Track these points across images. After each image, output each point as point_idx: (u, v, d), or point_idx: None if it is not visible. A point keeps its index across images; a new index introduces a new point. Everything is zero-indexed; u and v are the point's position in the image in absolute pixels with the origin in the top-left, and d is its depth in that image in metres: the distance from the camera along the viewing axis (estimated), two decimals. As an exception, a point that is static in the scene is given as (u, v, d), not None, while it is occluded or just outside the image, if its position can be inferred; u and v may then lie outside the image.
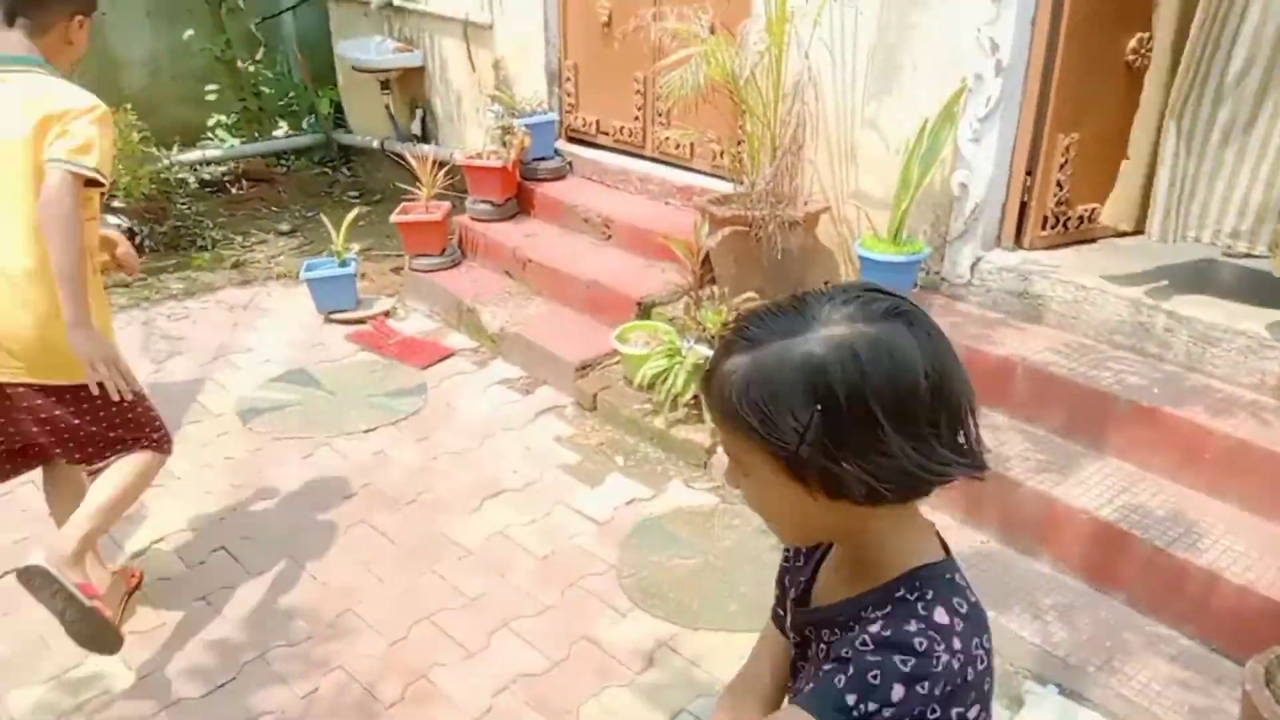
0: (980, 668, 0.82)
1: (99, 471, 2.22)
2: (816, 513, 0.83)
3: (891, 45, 3.28)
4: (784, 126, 3.40)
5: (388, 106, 5.89)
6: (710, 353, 3.16)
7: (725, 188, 3.77)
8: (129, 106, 4.92)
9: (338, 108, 6.70)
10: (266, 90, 6.53)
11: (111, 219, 4.80)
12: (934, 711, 0.78)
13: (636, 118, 4.52)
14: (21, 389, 2.09)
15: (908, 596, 0.84)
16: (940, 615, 0.82)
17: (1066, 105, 3.04)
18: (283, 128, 6.57)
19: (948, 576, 0.86)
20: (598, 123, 4.75)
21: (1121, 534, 2.30)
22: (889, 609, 0.84)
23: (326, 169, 6.52)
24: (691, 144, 4.22)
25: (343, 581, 2.57)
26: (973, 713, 0.82)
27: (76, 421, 2.14)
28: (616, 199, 4.44)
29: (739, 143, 3.66)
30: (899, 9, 3.22)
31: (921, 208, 3.30)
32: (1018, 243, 3.20)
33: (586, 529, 2.80)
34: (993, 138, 3.07)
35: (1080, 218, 3.23)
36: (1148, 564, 2.27)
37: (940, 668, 0.78)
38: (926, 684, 0.77)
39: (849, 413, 0.76)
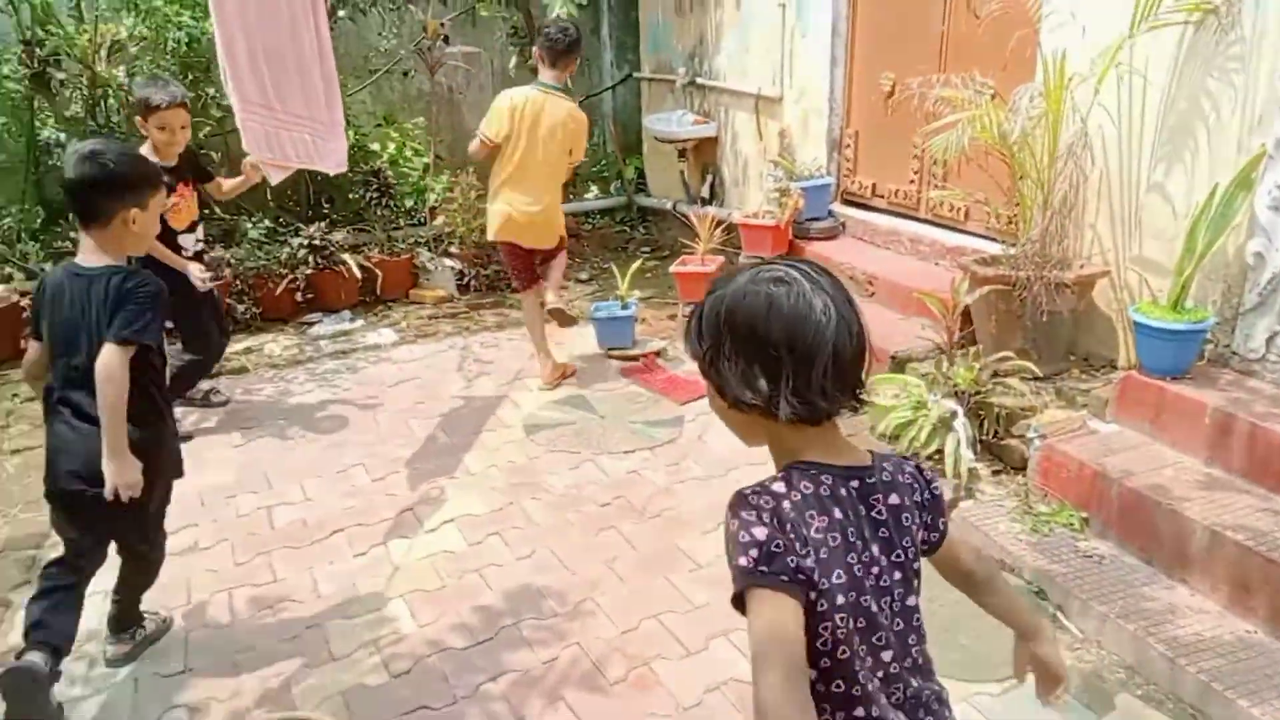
0: (809, 532, 1.08)
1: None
2: (737, 418, 1.15)
3: (1182, 111, 3.14)
4: (1057, 189, 3.35)
5: (682, 172, 6.46)
6: (957, 407, 3.17)
7: (997, 250, 3.76)
8: (471, 169, 5.87)
9: (640, 173, 7.43)
10: (583, 158, 7.40)
11: (447, 261, 5.74)
12: (776, 545, 1.06)
13: (912, 181, 4.61)
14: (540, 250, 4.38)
15: (773, 475, 1.14)
16: (778, 485, 1.11)
17: (1396, 169, 2.73)
18: (593, 190, 7.40)
19: (812, 471, 1.13)
20: (874, 186, 4.90)
21: None
22: None
23: (625, 227, 7.23)
24: (966, 206, 4.25)
25: (588, 574, 2.91)
26: (806, 562, 1.06)
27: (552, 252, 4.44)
28: (884, 258, 4.54)
29: (1015, 205, 3.65)
30: (1192, 76, 3.09)
31: (1210, 277, 3.09)
32: (1326, 318, 2.89)
33: (813, 562, 2.91)
34: (1297, 204, 2.82)
35: None
36: None
37: (767, 508, 1.07)
38: (754, 514, 1.07)
39: (719, 341, 1.11)
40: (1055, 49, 3.32)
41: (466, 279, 5.77)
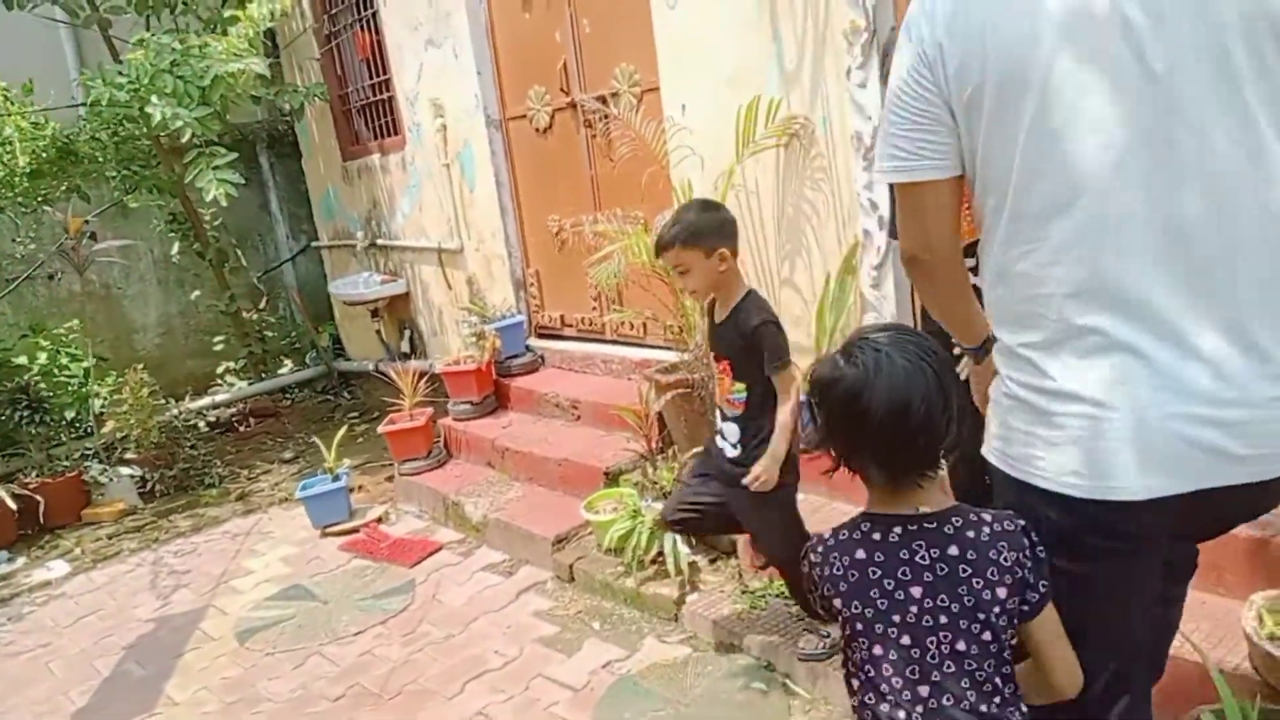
0: (832, 571, 1.35)
1: None
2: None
3: (791, 216, 3.68)
4: (710, 297, 3.76)
5: (379, 332, 6.41)
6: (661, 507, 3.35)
7: (675, 357, 4.09)
8: (141, 365, 5.43)
9: (336, 339, 7.28)
10: (270, 334, 7.13)
11: (124, 470, 5.18)
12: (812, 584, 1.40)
13: (594, 308, 4.93)
14: None
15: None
16: (826, 531, 1.39)
17: (951, 242, 3.38)
18: (287, 365, 7.10)
19: (855, 519, 1.37)
20: (562, 317, 5.18)
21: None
22: None
23: (329, 396, 6.98)
24: (644, 323, 4.60)
25: (328, 780, 2.66)
26: (836, 601, 1.35)
27: None
28: (583, 382, 4.77)
29: (680, 316, 4.02)
30: (793, 187, 3.64)
31: (845, 350, 3.58)
32: (935, 368, 3.45)
33: (562, 697, 2.88)
34: (889, 283, 3.37)
35: (990, 338, 3.49)
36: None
37: (809, 555, 1.40)
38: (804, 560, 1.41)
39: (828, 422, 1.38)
40: (682, 179, 3.79)
41: (150, 484, 5.23)
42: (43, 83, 5.53)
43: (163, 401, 5.52)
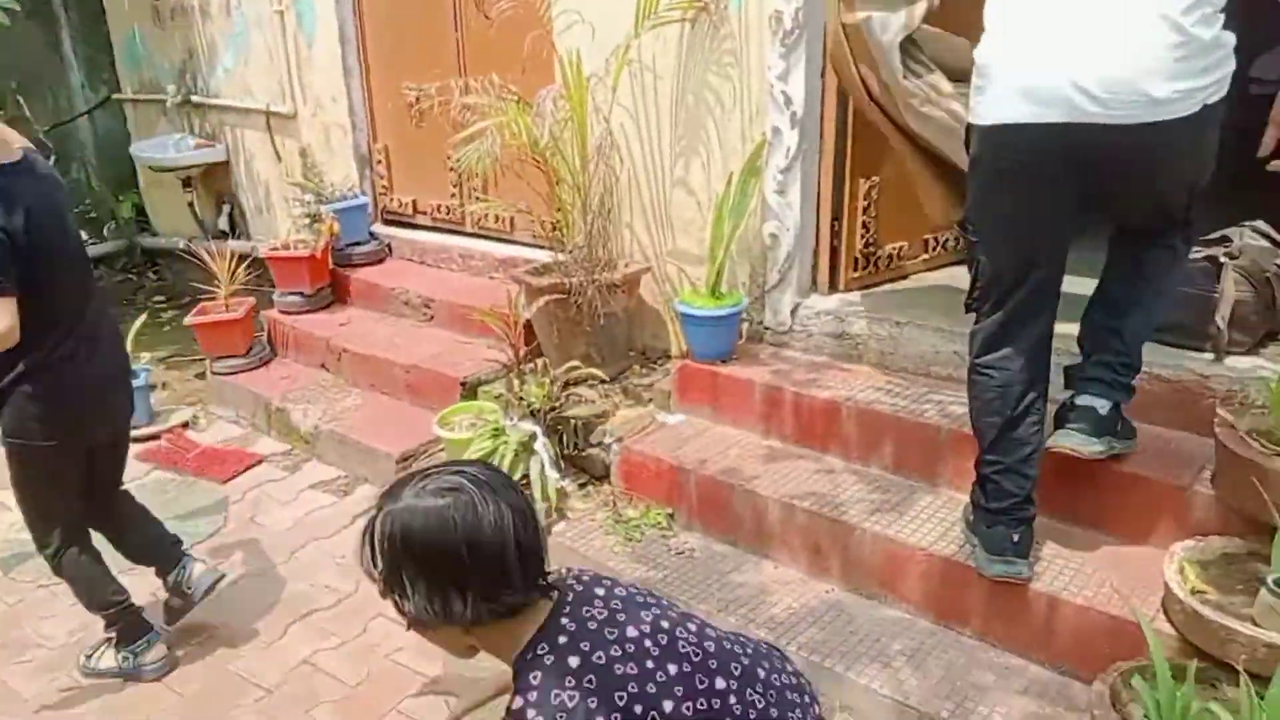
0: (572, 704, 1.07)
1: None
2: (433, 634, 1.18)
3: (691, 106, 3.27)
4: (593, 191, 3.32)
5: (191, 205, 5.54)
6: (535, 428, 2.98)
7: (547, 258, 3.65)
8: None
9: (140, 211, 6.29)
10: (57, 199, 6.05)
11: None
12: None
13: (453, 195, 4.37)
14: None
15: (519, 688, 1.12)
16: (532, 695, 1.09)
17: (864, 150, 3.08)
18: (83, 236, 6.05)
19: (545, 642, 1.14)
20: (414, 203, 4.58)
21: (961, 567, 2.22)
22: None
23: (131, 275, 6.07)
24: (511, 217, 4.11)
25: (110, 745, 2.17)
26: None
27: None
28: (438, 278, 4.25)
29: (557, 211, 3.55)
30: (695, 72, 3.22)
31: (739, 261, 3.26)
32: (833, 287, 3.19)
33: (407, 641, 2.49)
34: (796, 188, 3.06)
35: (890, 256, 3.26)
36: (989, 595, 2.19)
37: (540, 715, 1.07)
38: None
39: (399, 567, 1.12)
40: (569, 49, 3.28)
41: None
42: None
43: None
